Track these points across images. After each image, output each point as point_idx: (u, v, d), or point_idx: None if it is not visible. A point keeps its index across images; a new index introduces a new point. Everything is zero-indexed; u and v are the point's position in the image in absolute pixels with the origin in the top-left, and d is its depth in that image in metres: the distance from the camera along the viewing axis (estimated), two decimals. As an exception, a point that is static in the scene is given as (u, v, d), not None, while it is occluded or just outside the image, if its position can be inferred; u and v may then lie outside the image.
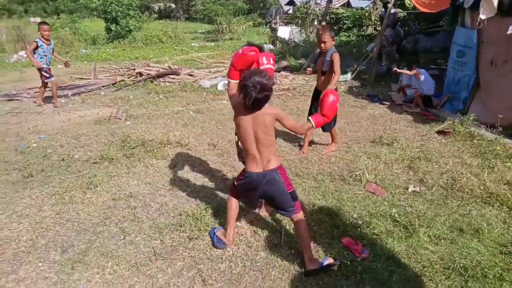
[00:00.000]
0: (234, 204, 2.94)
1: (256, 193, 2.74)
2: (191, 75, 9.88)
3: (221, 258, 2.86)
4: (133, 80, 9.42)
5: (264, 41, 18.56)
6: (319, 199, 3.68)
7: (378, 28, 13.67)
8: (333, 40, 4.50)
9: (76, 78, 9.81)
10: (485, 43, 5.95)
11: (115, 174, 4.25)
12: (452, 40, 6.96)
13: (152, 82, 9.30)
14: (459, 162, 4.51)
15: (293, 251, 2.91)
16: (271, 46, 15.87)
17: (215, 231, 3.07)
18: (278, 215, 3.38)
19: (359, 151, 4.92)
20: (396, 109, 7.03)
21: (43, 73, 7.10)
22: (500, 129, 5.29)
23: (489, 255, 2.82)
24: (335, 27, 15.86)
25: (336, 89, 4.61)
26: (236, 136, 3.62)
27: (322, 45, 4.48)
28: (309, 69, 5.20)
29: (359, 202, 3.63)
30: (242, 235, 3.13)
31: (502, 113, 5.35)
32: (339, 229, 3.18)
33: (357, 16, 16.70)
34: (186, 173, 4.36)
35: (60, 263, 2.80)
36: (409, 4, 12.00)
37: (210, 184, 4.08)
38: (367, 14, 16.34)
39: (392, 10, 9.60)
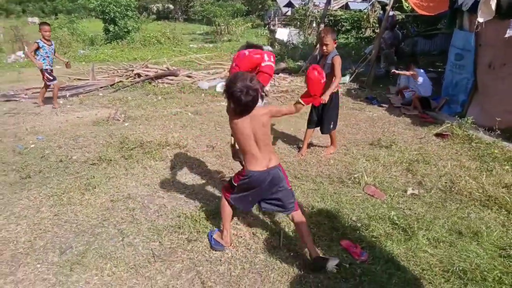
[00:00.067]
0: (228, 206, 2.92)
1: (255, 192, 2.71)
2: (189, 77, 9.88)
3: (220, 260, 2.85)
4: (131, 81, 9.41)
5: (263, 42, 18.57)
6: (318, 202, 3.68)
7: (377, 31, 13.71)
8: (335, 43, 4.50)
9: (74, 79, 9.79)
10: (483, 46, 5.98)
11: (113, 176, 4.23)
12: (450, 43, 6.99)
13: (150, 83, 9.30)
14: (458, 165, 4.52)
15: (292, 254, 2.91)
16: (270, 48, 15.88)
17: (212, 233, 3.06)
18: (277, 218, 3.38)
19: (358, 154, 4.93)
20: (395, 112, 7.05)
21: (47, 75, 7.05)
22: (498, 132, 5.30)
23: (488, 258, 2.82)
24: (333, 29, 15.88)
25: (336, 92, 4.64)
26: (232, 138, 3.63)
27: (324, 47, 4.48)
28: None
29: (358, 204, 3.63)
30: (241, 237, 3.13)
31: (500, 116, 5.37)
32: (338, 231, 3.18)
33: (356, 19, 16.75)
34: (184, 174, 4.35)
35: (59, 265, 2.78)
36: (407, 7, 12.03)
37: (209, 186, 4.08)
38: (365, 16, 16.39)
39: (391, 13, 9.63)
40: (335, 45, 4.51)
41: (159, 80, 9.42)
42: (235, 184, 2.76)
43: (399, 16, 12.35)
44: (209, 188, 4.02)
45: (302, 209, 3.22)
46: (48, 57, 7.01)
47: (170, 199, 3.76)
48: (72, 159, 4.71)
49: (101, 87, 8.89)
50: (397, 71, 7.56)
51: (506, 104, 5.54)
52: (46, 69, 7.01)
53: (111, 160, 4.60)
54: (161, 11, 46.26)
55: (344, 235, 3.12)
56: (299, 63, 11.69)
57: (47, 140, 5.40)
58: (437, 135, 5.63)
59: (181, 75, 9.72)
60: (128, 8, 19.88)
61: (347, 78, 9.70)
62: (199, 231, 3.17)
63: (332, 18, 16.78)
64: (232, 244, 2.99)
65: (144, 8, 42.66)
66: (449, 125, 5.78)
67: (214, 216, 3.39)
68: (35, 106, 7.32)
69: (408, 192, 3.88)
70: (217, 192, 3.91)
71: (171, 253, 2.93)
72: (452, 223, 3.28)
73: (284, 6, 32.44)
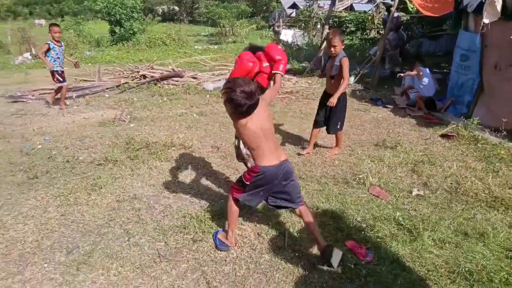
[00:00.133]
0: (235, 207, 2.90)
1: (268, 188, 2.72)
2: (194, 78, 9.91)
3: (225, 260, 2.86)
4: (137, 83, 9.45)
5: (267, 44, 18.56)
6: (322, 202, 3.68)
7: (381, 32, 13.68)
8: (343, 44, 4.52)
9: (81, 80, 9.85)
10: (489, 47, 5.96)
11: (119, 176, 4.26)
12: (455, 44, 6.97)
13: (155, 84, 9.34)
14: (463, 166, 4.50)
15: (297, 254, 2.91)
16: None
17: (217, 234, 3.07)
18: (281, 218, 3.38)
19: (363, 154, 4.92)
20: (400, 113, 7.03)
21: (57, 76, 7.06)
22: (505, 133, 5.27)
23: (494, 259, 2.81)
24: (338, 31, 15.87)
25: (344, 93, 4.66)
26: (237, 140, 3.65)
27: (332, 49, 4.49)
28: (319, 72, 5.24)
29: (363, 205, 3.63)
30: (246, 237, 3.14)
31: (506, 116, 5.35)
32: (343, 232, 3.18)
33: (360, 20, 16.74)
34: (189, 175, 4.37)
35: (65, 264, 2.81)
36: (412, 8, 12.01)
37: (214, 186, 4.09)
38: (370, 17, 16.37)
39: (395, 14, 9.61)
40: (343, 47, 4.52)
41: (165, 82, 9.45)
42: (247, 183, 2.72)
43: (404, 17, 12.32)
44: (214, 189, 4.03)
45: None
46: (58, 58, 7.03)
47: (175, 200, 3.78)
48: (79, 160, 4.75)
49: (107, 88, 8.95)
50: (403, 74, 7.54)
51: (512, 105, 5.52)
52: (57, 71, 7.03)
53: (117, 160, 4.63)
54: (166, 13, 46.50)
55: (349, 236, 3.12)
56: (303, 65, 11.70)
57: (54, 141, 5.44)
58: (443, 136, 5.61)
59: (186, 77, 9.75)
60: (134, 10, 20.02)
61: (352, 79, 9.68)
62: (204, 232, 3.18)
63: (336, 19, 16.80)
64: (237, 245, 3.00)
65: (149, 10, 42.90)
66: (454, 126, 5.76)
67: (219, 216, 3.41)
68: (45, 107, 7.33)
69: (413, 193, 3.87)
70: (222, 193, 3.92)
71: (176, 253, 2.94)
72: (458, 224, 3.27)
73: (289, 8, 32.53)
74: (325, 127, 4.93)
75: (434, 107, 6.95)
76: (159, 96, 8.32)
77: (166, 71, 10.37)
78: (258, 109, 2.57)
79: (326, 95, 4.81)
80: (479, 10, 5.82)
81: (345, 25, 16.97)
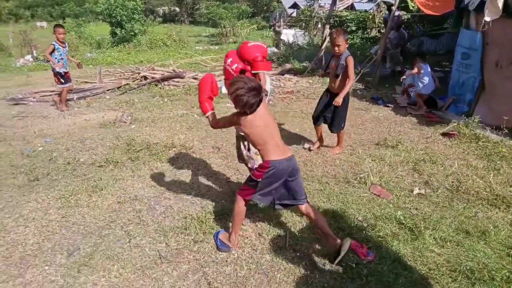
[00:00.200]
0: (243, 207, 2.88)
1: (279, 183, 2.71)
2: (195, 79, 9.91)
3: (226, 261, 2.86)
4: (137, 84, 9.47)
5: (268, 44, 18.60)
6: (323, 202, 3.68)
7: (382, 31, 13.65)
8: (347, 43, 4.51)
9: (82, 82, 9.88)
10: (490, 45, 5.93)
11: (120, 178, 4.26)
12: (456, 42, 6.94)
13: (156, 85, 9.35)
14: (465, 164, 4.49)
15: (298, 254, 2.91)
16: (275, 49, 15.91)
17: (218, 234, 3.07)
18: (282, 218, 3.38)
19: (364, 154, 4.91)
20: (401, 111, 7.01)
21: (59, 77, 7.04)
22: (506, 131, 5.26)
23: (496, 257, 2.80)
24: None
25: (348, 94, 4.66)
26: (237, 141, 3.65)
27: (336, 48, 4.49)
28: (321, 71, 5.24)
29: (364, 204, 3.62)
30: (247, 238, 3.13)
31: (508, 115, 5.32)
32: (344, 231, 3.17)
33: (361, 19, 16.71)
34: (190, 176, 4.37)
35: (66, 266, 2.81)
36: (413, 7, 12.00)
37: (215, 187, 4.09)
38: (371, 16, 16.35)
39: (396, 13, 9.59)
40: (347, 46, 4.52)
41: (165, 83, 9.47)
42: (259, 180, 2.68)
43: (405, 16, 12.31)
44: (215, 189, 4.03)
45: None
46: (62, 59, 7.02)
47: (176, 201, 3.78)
48: (80, 162, 4.76)
49: (108, 90, 8.97)
50: (405, 75, 7.51)
51: (514, 103, 5.50)
52: (60, 72, 7.03)
53: (118, 162, 4.64)
54: (167, 14, 46.58)
55: (351, 235, 3.10)
56: (304, 64, 11.69)
57: (55, 143, 5.46)
58: (444, 134, 5.59)
59: (187, 77, 9.77)
60: (135, 11, 20.08)
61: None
62: (205, 232, 3.18)
63: (337, 19, 16.76)
64: (238, 245, 3.00)
65: (150, 11, 42.99)
66: (455, 124, 5.74)
67: (220, 217, 3.41)
68: (60, 111, 7.30)
69: (415, 192, 3.86)
70: (223, 193, 3.92)
71: (177, 254, 2.94)
72: (459, 223, 3.26)
73: (290, 8, 32.52)
74: (326, 124, 4.94)
75: (435, 105, 6.93)
76: (160, 97, 8.33)
77: (167, 72, 10.38)
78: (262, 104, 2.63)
79: (328, 94, 4.81)
80: (480, 8, 5.80)
81: (346, 24, 16.92)
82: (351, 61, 4.45)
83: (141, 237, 3.16)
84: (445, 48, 12.00)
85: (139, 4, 20.81)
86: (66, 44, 7.31)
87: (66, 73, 7.14)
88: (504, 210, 3.47)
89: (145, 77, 9.90)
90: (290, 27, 20.99)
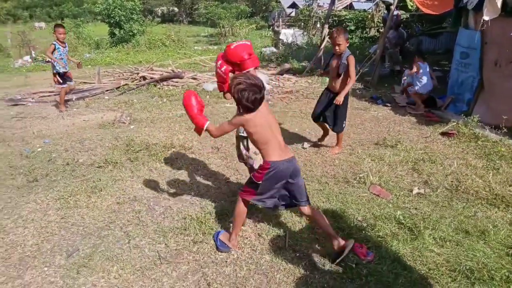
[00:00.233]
0: (244, 207, 2.87)
1: (280, 184, 2.70)
2: (194, 79, 9.91)
3: (226, 261, 2.86)
4: (136, 84, 9.46)
5: (267, 44, 18.62)
6: (323, 202, 3.67)
7: (381, 30, 13.65)
8: (347, 42, 4.52)
9: (80, 83, 9.86)
10: (489, 44, 5.93)
11: (119, 178, 4.26)
12: (455, 42, 6.94)
13: (155, 86, 9.35)
14: (464, 164, 4.49)
15: (297, 254, 2.91)
16: (274, 49, 15.90)
17: (218, 235, 3.07)
18: (282, 218, 3.38)
19: (363, 153, 4.91)
20: (400, 111, 7.01)
21: (58, 77, 7.02)
22: (505, 130, 5.26)
23: (495, 257, 2.80)
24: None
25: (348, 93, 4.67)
26: (237, 140, 3.65)
27: (337, 47, 4.49)
28: (320, 70, 5.24)
29: (364, 204, 3.61)
30: (247, 238, 3.13)
31: (507, 114, 5.33)
32: (343, 231, 3.17)
33: (360, 18, 16.69)
34: (190, 176, 4.37)
35: (66, 268, 2.81)
36: (411, 6, 11.98)
37: (214, 187, 4.09)
38: (369, 16, 16.34)
39: (395, 12, 9.59)
40: (347, 45, 4.52)
41: (164, 83, 9.46)
42: (259, 182, 2.68)
43: (404, 15, 12.30)
44: (215, 190, 4.03)
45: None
46: (62, 59, 7.01)
47: (175, 201, 3.78)
48: (79, 162, 4.75)
49: (106, 90, 8.96)
50: (405, 76, 7.51)
51: (513, 102, 5.50)
52: (59, 72, 7.02)
53: (117, 162, 4.63)
54: (166, 14, 46.55)
55: (350, 235, 3.10)
56: (303, 64, 11.69)
57: (53, 144, 5.45)
58: (443, 134, 5.59)
59: (186, 77, 9.76)
60: (133, 11, 20.05)
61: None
62: (205, 233, 3.17)
63: (336, 18, 16.74)
64: (238, 246, 3.00)
65: (149, 11, 42.96)
66: (455, 123, 5.74)
67: (219, 217, 3.40)
68: (59, 112, 7.30)
69: (414, 192, 3.86)
70: (222, 194, 3.91)
71: (177, 255, 2.94)
72: (458, 222, 3.26)
73: (288, 7, 32.48)
74: (325, 123, 4.96)
75: (435, 105, 6.94)
76: (158, 98, 8.32)
77: (165, 72, 10.37)
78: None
79: (328, 94, 4.81)
80: (479, 7, 5.80)
81: (344, 24, 16.90)
82: (352, 60, 4.45)
83: (140, 238, 3.16)
84: (444, 47, 12.01)
85: (138, 4, 20.78)
86: (66, 44, 7.29)
87: (65, 73, 7.13)
88: (504, 210, 3.48)
89: (144, 78, 9.88)
90: (289, 26, 21.00)
